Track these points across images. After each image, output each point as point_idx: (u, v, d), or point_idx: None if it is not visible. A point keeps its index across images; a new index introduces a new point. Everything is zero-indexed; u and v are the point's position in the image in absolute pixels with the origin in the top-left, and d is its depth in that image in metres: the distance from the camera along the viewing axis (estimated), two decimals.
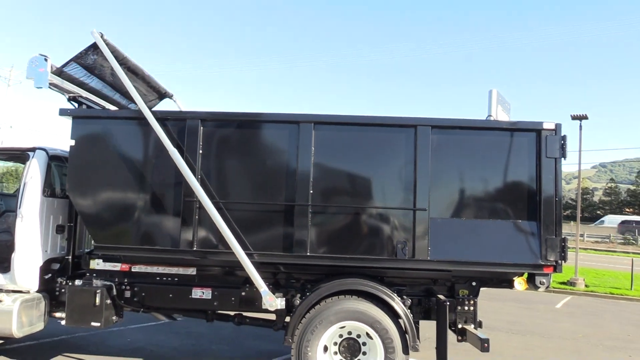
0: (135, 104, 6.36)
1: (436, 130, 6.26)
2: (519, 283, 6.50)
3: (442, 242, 6.20)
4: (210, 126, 6.43)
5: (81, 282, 6.73)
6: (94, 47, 6.27)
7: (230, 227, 6.16)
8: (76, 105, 6.88)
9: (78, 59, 6.43)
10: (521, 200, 6.27)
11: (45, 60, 6.29)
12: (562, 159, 6.25)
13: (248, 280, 6.68)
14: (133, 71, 6.84)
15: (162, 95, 7.98)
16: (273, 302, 6.20)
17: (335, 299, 6.26)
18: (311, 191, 6.22)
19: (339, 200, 6.35)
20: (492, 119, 6.74)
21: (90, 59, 6.50)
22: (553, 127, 6.20)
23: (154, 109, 7.37)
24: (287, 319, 6.61)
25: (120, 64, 6.38)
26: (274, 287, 6.56)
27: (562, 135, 6.22)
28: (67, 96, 6.85)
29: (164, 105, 8.20)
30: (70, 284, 6.80)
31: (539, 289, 6.36)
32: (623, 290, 19.27)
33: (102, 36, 6.19)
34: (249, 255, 6.19)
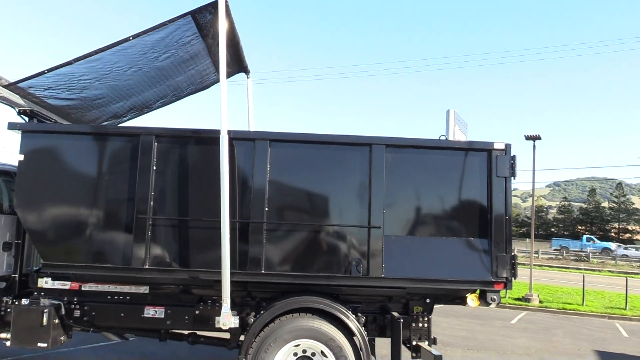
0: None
1: (391, 149, 6.36)
2: (472, 300, 6.61)
3: (396, 259, 6.26)
4: (165, 142, 6.35)
5: (28, 301, 6.50)
6: (214, 5, 6.24)
7: (183, 244, 6.09)
8: (26, 119, 6.72)
9: (164, 25, 6.27)
10: (473, 218, 6.40)
11: None
12: (512, 178, 6.42)
13: (202, 299, 6.62)
14: (233, 39, 7.01)
15: (242, 68, 8.49)
16: (227, 320, 6.13)
17: (289, 316, 6.23)
18: (266, 208, 6.21)
19: (294, 218, 6.35)
20: (444, 138, 6.88)
21: (206, 17, 6.49)
22: (503, 147, 6.38)
23: None
24: (242, 337, 6.54)
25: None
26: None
27: (512, 155, 6.40)
28: (17, 109, 6.69)
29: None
30: (16, 303, 6.56)
31: (490, 305, 6.48)
32: (575, 305, 19.81)
33: None
34: (203, 273, 6.13)
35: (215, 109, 6.15)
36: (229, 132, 6.31)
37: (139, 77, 7.54)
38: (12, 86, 6.33)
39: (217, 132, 6.45)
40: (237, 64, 8.27)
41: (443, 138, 6.86)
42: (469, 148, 6.50)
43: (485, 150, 6.40)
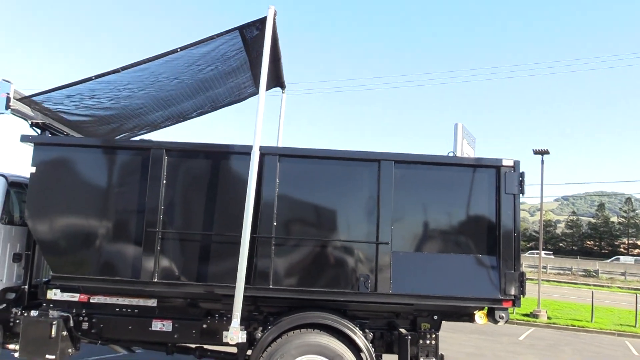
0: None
1: (399, 165, 6.38)
2: (480, 317, 6.58)
3: (404, 275, 6.25)
4: (175, 156, 6.40)
5: (37, 313, 6.55)
6: (262, 21, 6.34)
7: (193, 258, 6.13)
8: (39, 131, 6.80)
9: (211, 39, 6.39)
10: (481, 235, 6.40)
11: (9, 85, 6.23)
12: (521, 194, 6.42)
13: (210, 313, 6.62)
14: (275, 55, 7.11)
15: (279, 84, 8.66)
16: (235, 335, 6.12)
17: (297, 332, 6.23)
18: (275, 223, 6.23)
19: (302, 233, 6.37)
20: (452, 154, 6.89)
21: (252, 33, 6.59)
22: (512, 164, 6.39)
23: None
24: (249, 352, 6.53)
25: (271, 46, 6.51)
26: None
27: (521, 172, 6.40)
28: (29, 122, 6.77)
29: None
30: (25, 314, 6.60)
31: (499, 323, 6.45)
32: (584, 322, 19.61)
33: (274, 14, 6.32)
34: (213, 287, 6.15)
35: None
36: (237, 146, 6.38)
37: (181, 88, 7.67)
38: (27, 99, 6.41)
39: (226, 146, 6.52)
40: (275, 80, 8.40)
41: (451, 154, 6.88)
42: (478, 165, 6.51)
43: (493, 167, 6.42)
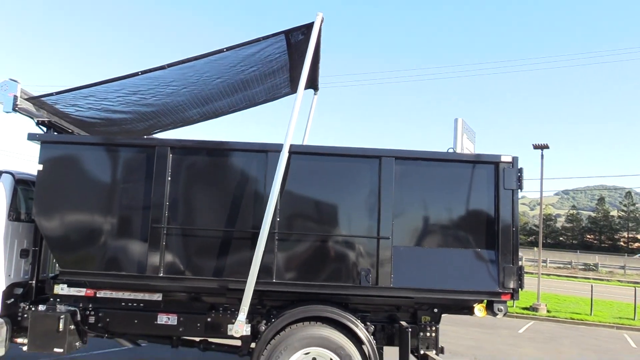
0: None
1: (400, 162, 6.49)
2: (479, 310, 6.70)
3: (405, 269, 6.38)
4: (179, 153, 6.51)
5: (45, 307, 6.67)
6: (308, 27, 6.48)
7: (197, 253, 6.26)
8: (45, 129, 6.90)
9: (257, 41, 6.53)
10: (480, 230, 6.51)
11: (16, 85, 6.34)
12: (519, 190, 6.53)
13: (214, 307, 6.75)
14: (315, 58, 7.24)
15: (313, 86, 8.81)
16: (240, 329, 6.25)
17: (300, 325, 6.35)
18: (278, 219, 6.35)
19: (305, 228, 6.48)
20: (452, 150, 7.00)
21: (297, 37, 6.73)
22: (510, 160, 6.50)
23: None
24: (253, 345, 6.66)
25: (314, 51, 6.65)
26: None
27: (519, 167, 6.52)
28: (35, 120, 6.87)
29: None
30: (33, 309, 6.73)
31: (497, 316, 6.58)
32: (583, 315, 19.79)
33: (321, 21, 6.47)
34: (218, 282, 6.29)
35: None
36: (240, 143, 6.51)
37: (221, 87, 7.82)
38: (36, 99, 6.52)
39: (229, 144, 6.63)
40: (311, 81, 8.51)
41: (451, 150, 6.98)
42: (477, 161, 6.63)
43: (492, 163, 6.52)
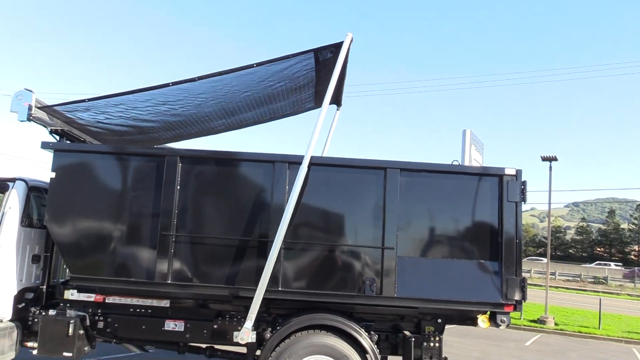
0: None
1: (405, 173, 6.59)
2: (482, 321, 6.77)
3: (409, 279, 6.45)
4: (188, 163, 6.65)
5: (55, 312, 6.80)
6: (337, 46, 6.64)
7: (204, 261, 6.38)
8: (58, 138, 7.06)
9: (286, 58, 6.68)
10: (484, 241, 6.58)
11: (31, 94, 6.50)
12: (523, 202, 6.60)
13: (220, 314, 6.85)
14: (341, 75, 7.41)
15: (337, 102, 8.97)
16: (246, 336, 6.33)
17: (304, 333, 6.44)
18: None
19: (311, 237, 6.58)
20: (457, 163, 7.08)
21: (326, 55, 6.89)
22: (514, 172, 6.58)
23: None
24: (258, 352, 6.74)
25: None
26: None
27: (523, 180, 6.59)
28: (49, 129, 7.03)
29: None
30: (43, 313, 6.86)
31: (500, 327, 6.62)
32: (591, 329, 19.63)
33: (351, 41, 6.63)
34: (229, 289, 6.41)
35: None
36: (247, 154, 6.64)
37: (248, 100, 7.98)
38: (49, 108, 6.68)
39: (237, 154, 6.76)
40: (334, 97, 8.63)
41: (456, 162, 7.07)
42: (481, 173, 6.71)
43: (496, 175, 6.61)
